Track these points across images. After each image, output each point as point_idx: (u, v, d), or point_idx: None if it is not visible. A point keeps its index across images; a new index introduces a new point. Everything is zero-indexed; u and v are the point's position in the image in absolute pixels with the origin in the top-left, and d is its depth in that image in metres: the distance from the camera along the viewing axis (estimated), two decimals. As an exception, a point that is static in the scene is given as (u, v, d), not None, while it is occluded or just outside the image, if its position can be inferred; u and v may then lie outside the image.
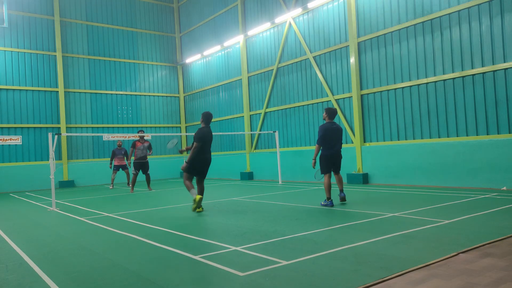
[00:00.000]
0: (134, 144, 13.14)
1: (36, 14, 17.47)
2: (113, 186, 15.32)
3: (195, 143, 7.62)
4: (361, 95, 12.35)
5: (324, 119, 8.06)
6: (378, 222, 5.79)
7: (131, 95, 19.82)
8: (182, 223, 6.63)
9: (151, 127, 20.32)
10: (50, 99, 17.56)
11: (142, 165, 12.98)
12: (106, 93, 19.09)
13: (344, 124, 12.83)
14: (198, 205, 7.50)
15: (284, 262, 3.92)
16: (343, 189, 8.05)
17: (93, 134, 13.25)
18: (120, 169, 15.05)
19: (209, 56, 19.51)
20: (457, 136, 10.10)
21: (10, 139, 16.47)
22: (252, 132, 15.61)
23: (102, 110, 18.95)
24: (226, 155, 18.13)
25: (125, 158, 14.90)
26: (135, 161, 12.95)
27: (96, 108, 18.78)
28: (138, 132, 13.60)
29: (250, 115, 16.98)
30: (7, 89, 16.57)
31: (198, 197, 7.46)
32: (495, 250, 4.01)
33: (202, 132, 7.69)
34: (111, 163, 15.11)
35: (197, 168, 7.75)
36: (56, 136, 9.59)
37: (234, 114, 17.96)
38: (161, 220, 7.03)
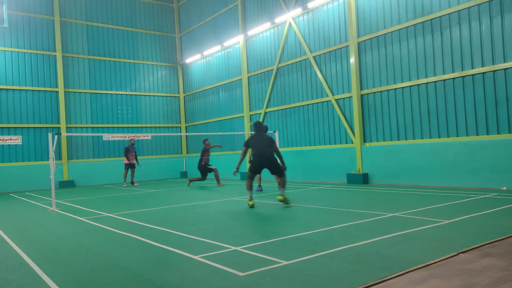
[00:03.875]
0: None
1: (36, 14, 17.47)
2: (126, 183, 16.29)
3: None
4: (361, 95, 12.35)
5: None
6: (378, 222, 5.79)
7: (131, 95, 19.82)
8: (182, 223, 6.63)
9: (151, 127, 20.32)
10: (50, 99, 17.56)
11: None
12: (106, 93, 19.08)
13: (344, 124, 12.83)
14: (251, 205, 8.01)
15: (284, 262, 3.92)
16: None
17: (93, 134, 13.24)
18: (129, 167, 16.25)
19: (209, 56, 19.51)
20: (457, 136, 10.10)
21: (10, 139, 16.47)
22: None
23: (102, 110, 18.95)
24: (226, 155, 18.13)
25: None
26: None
27: (96, 108, 18.78)
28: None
29: (250, 115, 16.98)
30: (7, 89, 16.57)
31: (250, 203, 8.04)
32: (495, 250, 4.01)
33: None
34: (128, 159, 16.02)
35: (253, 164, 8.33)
36: (56, 136, 9.59)
37: (234, 114, 17.96)
38: (161, 220, 7.03)
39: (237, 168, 8.19)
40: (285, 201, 8.08)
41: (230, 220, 6.73)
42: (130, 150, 15.86)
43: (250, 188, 8.18)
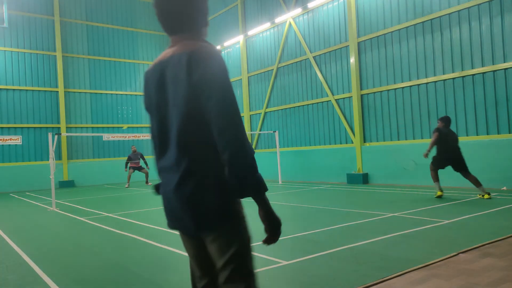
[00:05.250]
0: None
1: (36, 14, 17.46)
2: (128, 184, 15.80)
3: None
4: (361, 95, 12.35)
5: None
6: (378, 222, 5.79)
7: (131, 95, 19.82)
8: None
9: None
10: (50, 99, 17.56)
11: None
12: (106, 93, 19.08)
13: (344, 124, 12.83)
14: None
15: (284, 262, 3.91)
16: None
17: (93, 134, 13.24)
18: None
19: (209, 56, 19.48)
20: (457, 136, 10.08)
21: (10, 139, 16.46)
22: (252, 132, 15.60)
23: (102, 110, 18.94)
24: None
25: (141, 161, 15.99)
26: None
27: (96, 108, 18.77)
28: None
29: (250, 115, 16.98)
30: (7, 89, 16.56)
31: (438, 193, 7.99)
32: (495, 250, 4.01)
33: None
34: (126, 167, 15.72)
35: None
36: (56, 136, 9.59)
37: (234, 114, 17.93)
38: (161, 220, 7.03)
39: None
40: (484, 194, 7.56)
41: (230, 220, 6.72)
42: (132, 158, 15.45)
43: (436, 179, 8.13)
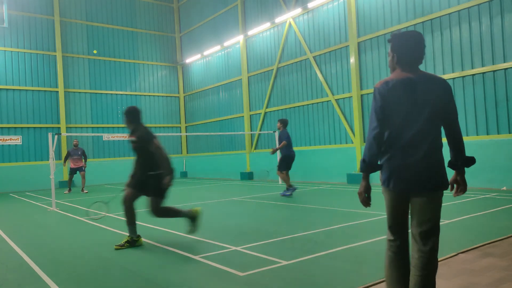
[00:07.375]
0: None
1: (36, 14, 17.47)
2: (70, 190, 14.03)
3: None
4: (361, 95, 12.35)
5: (279, 128, 9.86)
6: (378, 222, 5.79)
7: (131, 95, 19.82)
8: (182, 223, 6.63)
9: (151, 127, 20.27)
10: (50, 99, 17.56)
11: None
12: (106, 93, 19.08)
13: (344, 124, 12.82)
14: None
15: (284, 262, 3.92)
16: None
17: (93, 134, 13.23)
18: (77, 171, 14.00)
19: (209, 56, 19.51)
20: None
21: (10, 139, 16.47)
22: (252, 132, 15.61)
23: (102, 110, 18.94)
24: (226, 155, 18.14)
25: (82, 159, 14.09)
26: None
27: (96, 108, 18.77)
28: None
29: (250, 115, 16.98)
30: (7, 89, 16.56)
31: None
32: (495, 250, 4.01)
33: None
34: (65, 163, 14.20)
35: None
36: (56, 136, 9.59)
37: (234, 114, 17.96)
38: (161, 220, 7.02)
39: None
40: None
41: (230, 220, 6.73)
42: (71, 154, 13.68)
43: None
